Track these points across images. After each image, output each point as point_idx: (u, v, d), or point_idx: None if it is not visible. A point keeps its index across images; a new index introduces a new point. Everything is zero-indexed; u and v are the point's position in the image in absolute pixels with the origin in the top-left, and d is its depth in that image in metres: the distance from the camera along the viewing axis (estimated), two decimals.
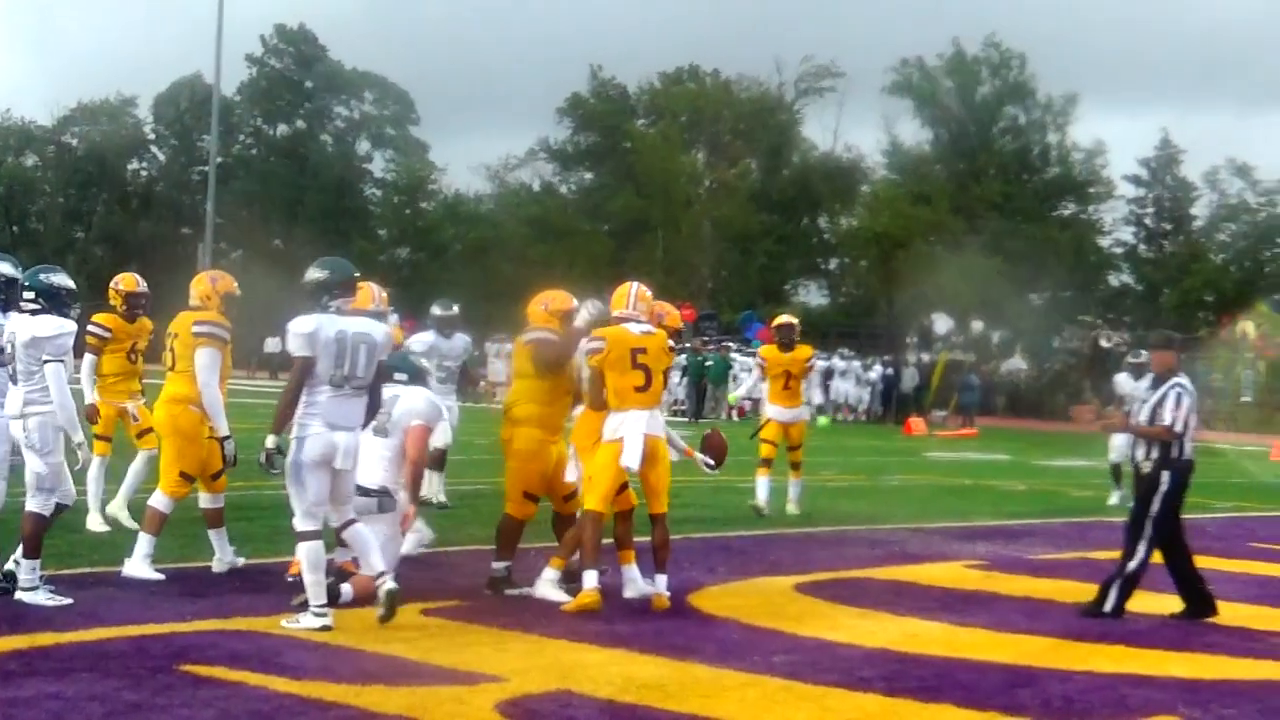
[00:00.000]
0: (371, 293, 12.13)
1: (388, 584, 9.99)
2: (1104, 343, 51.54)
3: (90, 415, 13.63)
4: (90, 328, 13.77)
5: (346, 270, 10.42)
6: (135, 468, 14.27)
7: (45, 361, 10.33)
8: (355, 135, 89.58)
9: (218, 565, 12.09)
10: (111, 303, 13.95)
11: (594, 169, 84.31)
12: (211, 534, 12.15)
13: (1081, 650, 10.31)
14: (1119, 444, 20.12)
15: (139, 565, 11.58)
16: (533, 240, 75.77)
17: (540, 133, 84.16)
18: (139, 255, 76.17)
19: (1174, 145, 77.20)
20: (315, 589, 9.88)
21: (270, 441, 10.05)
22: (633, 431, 11.19)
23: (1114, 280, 78.73)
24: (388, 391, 11.05)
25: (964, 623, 11.22)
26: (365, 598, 10.39)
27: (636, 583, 11.54)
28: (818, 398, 18.52)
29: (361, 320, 10.32)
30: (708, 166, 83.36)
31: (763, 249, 78.52)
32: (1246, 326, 54.87)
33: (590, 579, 11.04)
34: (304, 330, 9.98)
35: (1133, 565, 11.79)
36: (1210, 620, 11.75)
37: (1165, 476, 11.85)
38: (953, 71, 78.60)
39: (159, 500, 11.87)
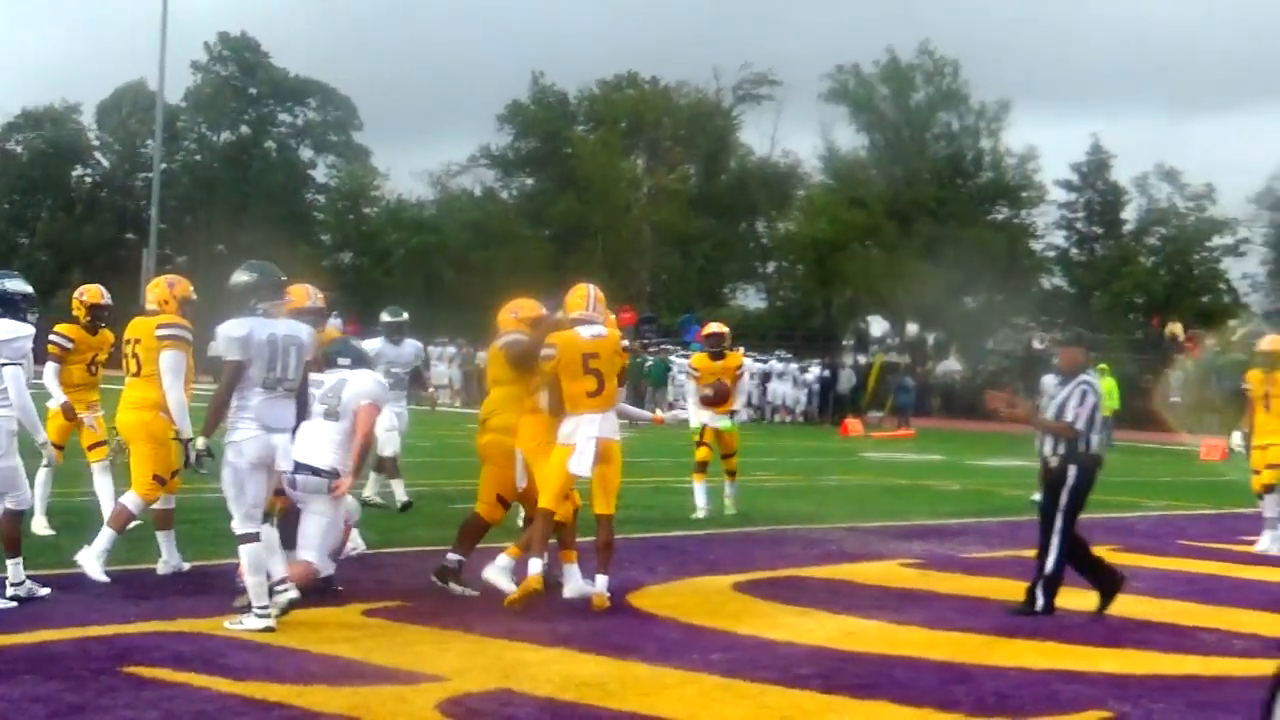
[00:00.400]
0: (307, 292, 12.29)
1: (290, 593, 10.08)
2: (1037, 344, 51.96)
3: (67, 414, 13.56)
4: (52, 338, 13.68)
5: (273, 274, 10.48)
6: (100, 484, 13.86)
7: (2, 365, 10.34)
8: (299, 141, 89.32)
9: (163, 568, 12.10)
10: (75, 314, 13.87)
11: (535, 175, 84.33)
12: (160, 535, 12.17)
13: (1014, 647, 10.45)
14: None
15: (92, 561, 11.59)
16: (474, 246, 75.75)
17: (482, 139, 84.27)
18: (83, 261, 75.80)
19: (1104, 150, 77.86)
20: (257, 590, 9.94)
21: (201, 443, 10.25)
22: (584, 437, 11.31)
23: (1046, 283, 79.27)
24: (333, 376, 11.20)
25: (900, 620, 11.35)
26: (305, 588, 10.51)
27: (576, 582, 11.62)
28: (743, 401, 18.58)
29: (289, 323, 10.43)
30: (647, 171, 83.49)
31: (701, 253, 78.77)
32: (1175, 328, 55.37)
33: (535, 566, 11.17)
34: (237, 334, 10.04)
35: (1051, 563, 11.95)
36: (1139, 616, 11.93)
37: (1072, 471, 12.02)
38: (887, 78, 79.06)
39: (131, 500, 11.87)
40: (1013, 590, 12.60)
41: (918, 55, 78.68)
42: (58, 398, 13.57)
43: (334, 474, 10.92)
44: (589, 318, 11.69)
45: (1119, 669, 9.79)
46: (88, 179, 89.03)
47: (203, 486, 15.90)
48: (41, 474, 13.55)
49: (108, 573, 11.63)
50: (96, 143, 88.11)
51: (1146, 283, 72.73)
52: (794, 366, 52.23)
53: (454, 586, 11.83)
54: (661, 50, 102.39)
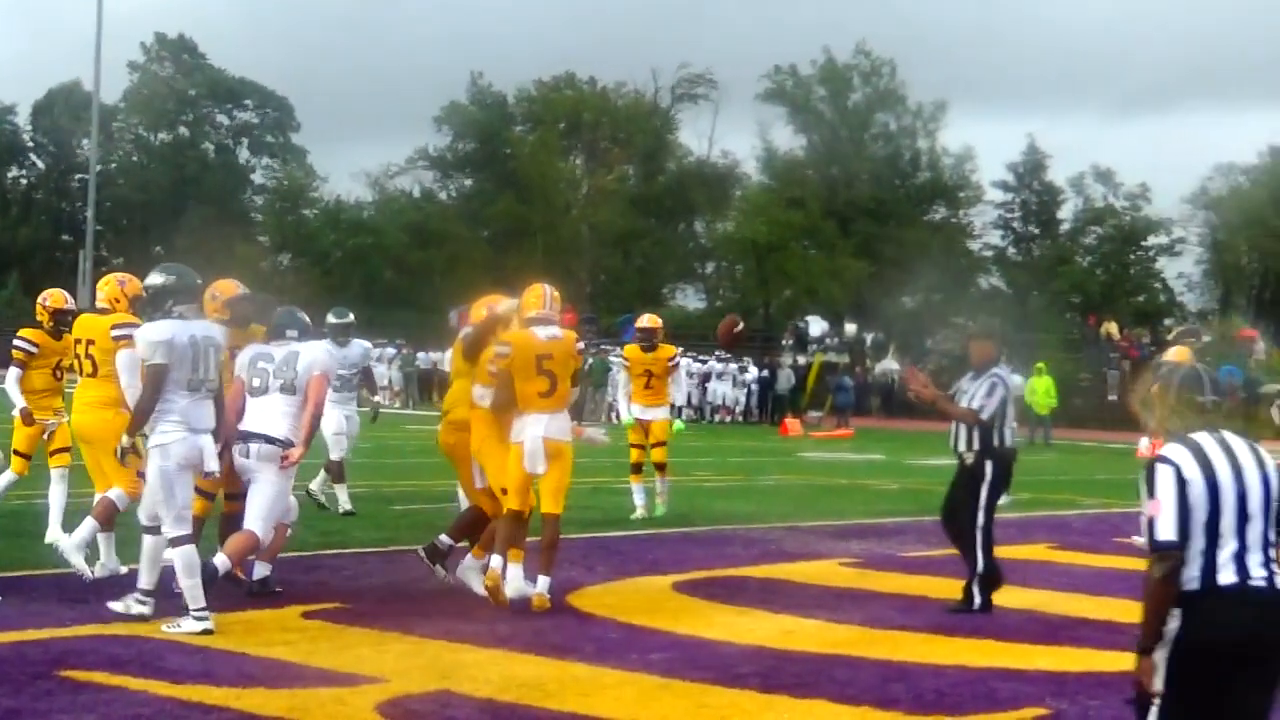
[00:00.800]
0: (236, 288, 12.36)
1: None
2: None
3: (25, 419, 13.38)
4: (16, 342, 13.56)
5: (190, 276, 10.49)
6: (54, 491, 13.64)
7: None
8: (236, 143, 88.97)
9: (100, 570, 11.98)
10: (39, 319, 13.71)
11: (473, 176, 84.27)
12: (101, 537, 12.04)
13: (953, 645, 10.51)
14: None
15: (72, 549, 11.61)
16: (412, 247, 75.66)
17: (420, 140, 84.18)
18: (19, 263, 75.23)
19: (1040, 151, 78.41)
20: (193, 593, 9.89)
21: (125, 441, 10.27)
22: (531, 437, 11.35)
23: (984, 282, 79.79)
24: (283, 349, 11.19)
25: (838, 619, 11.39)
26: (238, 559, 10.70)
27: (518, 582, 11.57)
28: (680, 398, 18.55)
29: (205, 324, 10.47)
30: (586, 172, 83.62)
31: (640, 253, 79.00)
32: (1110, 327, 55.78)
33: (496, 561, 11.30)
34: (159, 338, 10.03)
35: (980, 560, 12.02)
36: (1076, 614, 12.01)
37: (988, 466, 12.07)
38: (825, 79, 79.39)
39: (117, 495, 11.77)
40: (951, 589, 12.66)
41: (854, 56, 79.11)
42: (17, 403, 13.44)
43: (288, 443, 10.89)
44: (546, 317, 11.71)
45: (1056, 666, 9.86)
46: (23, 180, 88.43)
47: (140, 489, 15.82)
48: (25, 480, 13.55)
49: (43, 576, 11.57)
50: (31, 144, 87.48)
51: (1083, 282, 73.30)
52: (733, 366, 52.36)
53: (439, 569, 11.93)
54: (599, 51, 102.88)
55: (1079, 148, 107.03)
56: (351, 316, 17.51)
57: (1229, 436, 5.87)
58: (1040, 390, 41.76)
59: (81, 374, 12.15)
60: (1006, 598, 12.22)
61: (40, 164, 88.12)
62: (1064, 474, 29.80)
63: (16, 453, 13.54)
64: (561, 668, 9.22)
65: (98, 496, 11.92)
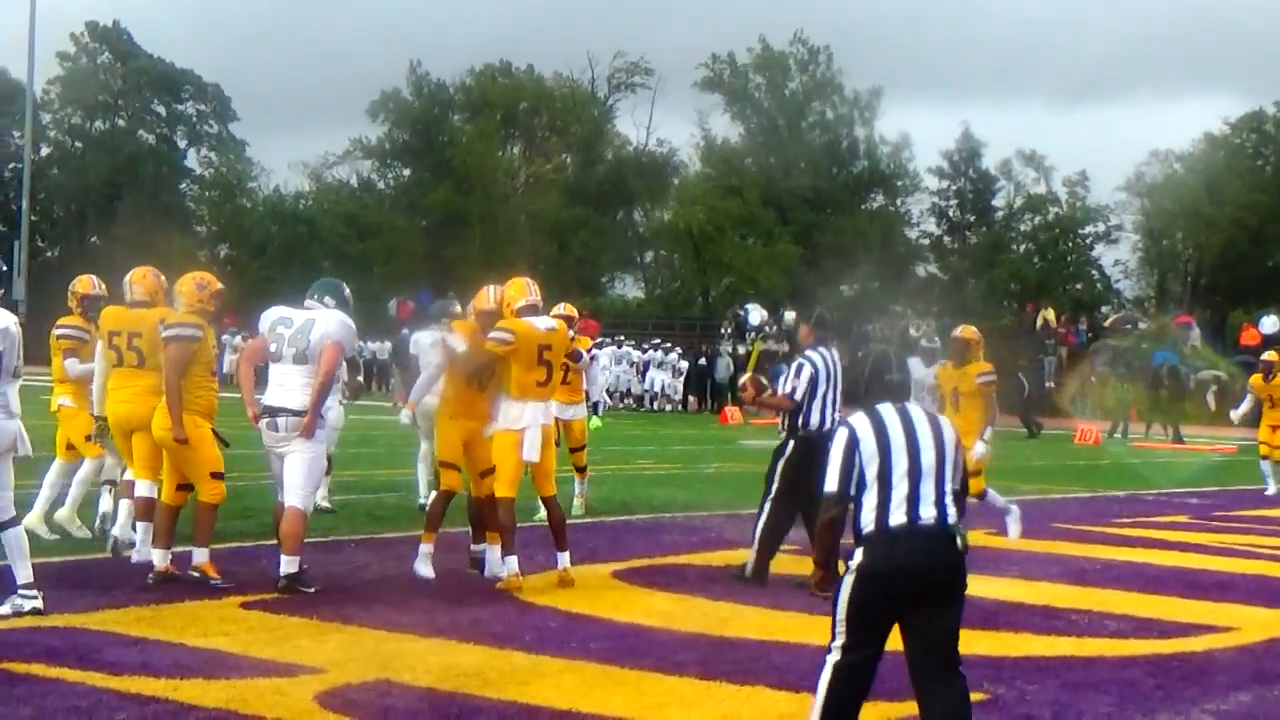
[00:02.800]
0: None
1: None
2: (913, 331, 52.32)
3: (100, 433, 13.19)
4: (65, 331, 13.55)
5: None
6: (54, 480, 13.74)
7: None
8: (174, 133, 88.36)
9: (136, 556, 12.09)
10: (69, 305, 13.69)
11: (411, 165, 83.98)
12: (139, 526, 12.16)
13: (891, 632, 10.54)
14: None
15: (125, 529, 12.15)
16: (349, 238, 75.40)
17: (358, 130, 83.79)
18: None
19: (975, 138, 78.70)
20: (22, 571, 9.99)
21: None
22: (532, 425, 11.72)
23: (921, 270, 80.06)
24: (303, 315, 11.54)
25: (777, 606, 11.43)
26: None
27: (496, 564, 12.03)
28: (596, 394, 18.37)
29: (3, 312, 10.39)
30: (524, 161, 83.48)
31: (579, 242, 78.88)
32: (1048, 314, 56.07)
33: (512, 564, 11.70)
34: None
35: (760, 525, 12.65)
36: (1013, 599, 12.09)
37: (790, 445, 12.59)
38: (761, 67, 79.49)
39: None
40: None
41: (791, 44, 79.23)
42: (97, 398, 13.06)
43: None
44: (535, 305, 12.06)
45: (993, 651, 9.89)
46: None
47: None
48: (71, 471, 13.62)
49: None
50: None
51: (1020, 270, 73.65)
52: (673, 355, 52.46)
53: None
54: (536, 39, 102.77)
55: (1017, 136, 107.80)
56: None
57: (910, 407, 7.07)
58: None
59: (123, 364, 12.27)
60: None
61: None
62: (1001, 460, 29.88)
63: (81, 441, 13.44)
64: (501, 657, 9.23)
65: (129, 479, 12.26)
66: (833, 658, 6.88)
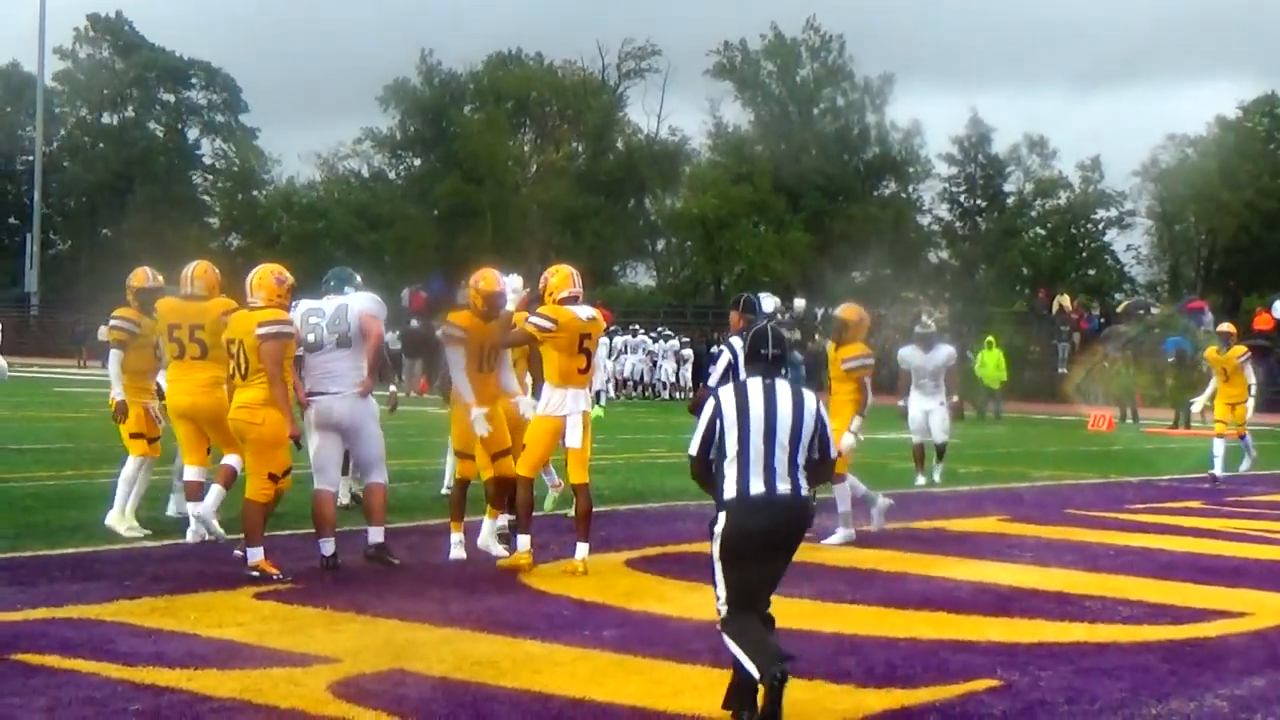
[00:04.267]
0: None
1: None
2: (925, 319, 52.37)
3: (120, 411, 13.40)
4: (117, 323, 13.52)
5: None
6: (135, 475, 13.61)
7: None
8: (184, 123, 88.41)
9: (191, 536, 12.76)
10: (127, 298, 13.67)
11: (422, 155, 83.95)
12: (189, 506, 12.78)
13: (903, 618, 10.56)
14: (918, 426, 20.48)
15: (209, 516, 12.47)
16: (361, 229, 75.41)
17: (370, 119, 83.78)
18: None
19: (984, 124, 78.56)
20: None
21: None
22: (575, 412, 12.09)
23: (933, 256, 79.99)
24: (333, 303, 11.99)
25: (789, 594, 11.35)
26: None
27: (488, 534, 12.62)
28: (598, 382, 18.28)
29: None
30: (535, 149, 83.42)
31: (591, 230, 78.83)
32: (1063, 299, 56.00)
33: (524, 543, 11.99)
34: None
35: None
36: (1027, 585, 12.09)
37: None
38: (773, 54, 79.39)
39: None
40: (903, 562, 12.78)
41: (803, 31, 79.14)
42: (116, 391, 13.35)
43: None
44: (576, 295, 12.24)
45: (1007, 638, 9.91)
46: None
47: (93, 472, 15.82)
48: (130, 467, 13.55)
49: None
50: None
51: (1033, 256, 73.54)
52: (674, 342, 52.26)
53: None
54: (546, 28, 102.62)
55: (1029, 122, 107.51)
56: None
57: (778, 383, 7.77)
58: (990, 364, 41.88)
59: (185, 357, 12.64)
60: (958, 570, 12.30)
61: None
62: (1015, 446, 29.93)
63: (132, 435, 13.48)
64: (515, 645, 9.23)
65: (227, 460, 12.60)
66: (724, 619, 7.63)
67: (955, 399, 21.92)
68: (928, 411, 20.37)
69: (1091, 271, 75.00)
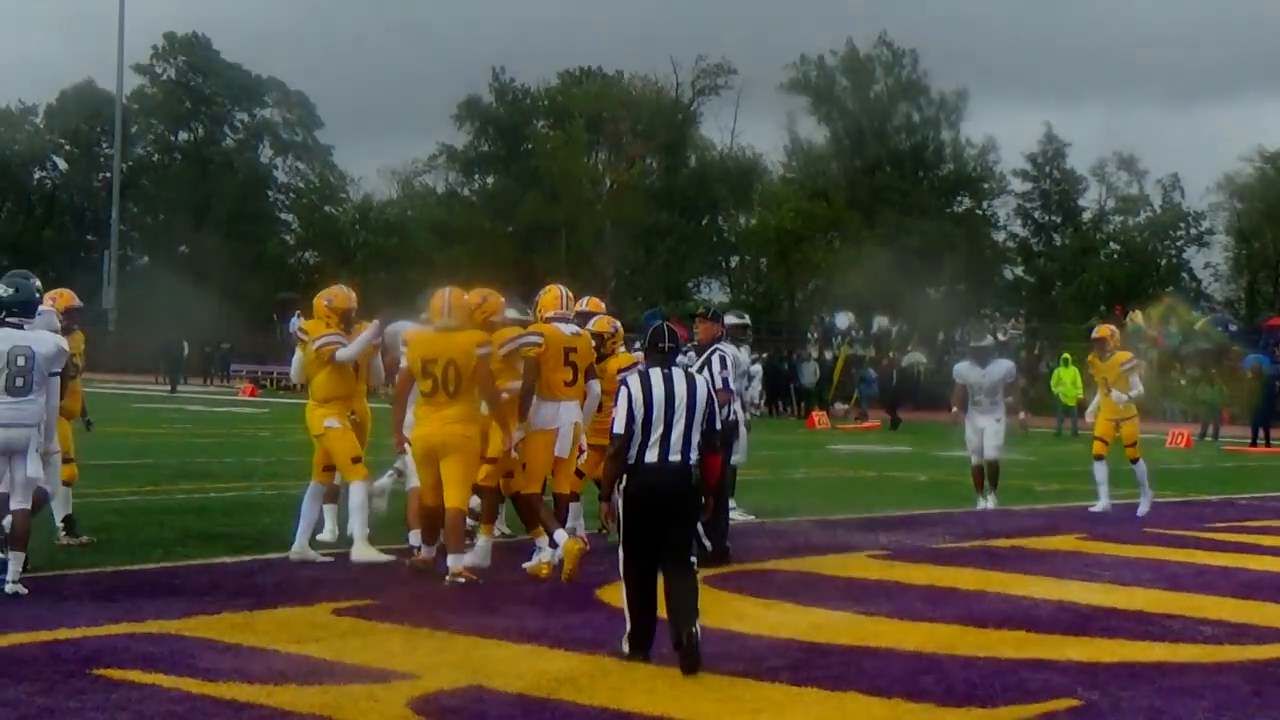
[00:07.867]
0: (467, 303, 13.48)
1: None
2: (1000, 335, 52.04)
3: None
4: (327, 339, 13.30)
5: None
6: (365, 501, 13.35)
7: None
8: (258, 140, 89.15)
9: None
10: (319, 315, 13.54)
11: (498, 172, 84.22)
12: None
13: (983, 636, 10.49)
14: (974, 446, 19.93)
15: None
16: (438, 246, 75.70)
17: (444, 136, 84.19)
18: (42, 262, 75.72)
19: (1059, 139, 78.08)
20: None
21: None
22: (565, 422, 12.85)
23: (1008, 273, 79.57)
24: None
25: (868, 612, 11.38)
26: None
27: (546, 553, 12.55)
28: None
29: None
30: (609, 166, 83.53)
31: (665, 247, 78.84)
32: (1138, 317, 55.57)
33: (561, 535, 12.26)
34: None
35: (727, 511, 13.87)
36: (1107, 605, 11.99)
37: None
38: (847, 69, 79.23)
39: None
40: (981, 580, 12.71)
41: (876, 46, 78.95)
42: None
43: None
44: (564, 316, 13.15)
45: (1087, 657, 9.83)
46: (47, 181, 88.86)
47: (171, 489, 15.92)
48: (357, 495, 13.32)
49: (71, 575, 11.65)
50: (50, 145, 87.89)
51: (1110, 273, 73.04)
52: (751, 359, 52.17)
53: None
54: (619, 44, 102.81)
55: (1106, 139, 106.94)
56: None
57: (674, 371, 9.40)
58: (1067, 381, 41.58)
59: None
60: (1037, 588, 12.21)
61: (61, 165, 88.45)
62: (1082, 465, 29.63)
63: (356, 460, 13.31)
64: (593, 662, 9.24)
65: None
66: (623, 568, 9.33)
67: (1022, 415, 21.57)
68: (982, 430, 19.84)
69: (1169, 289, 74.43)
